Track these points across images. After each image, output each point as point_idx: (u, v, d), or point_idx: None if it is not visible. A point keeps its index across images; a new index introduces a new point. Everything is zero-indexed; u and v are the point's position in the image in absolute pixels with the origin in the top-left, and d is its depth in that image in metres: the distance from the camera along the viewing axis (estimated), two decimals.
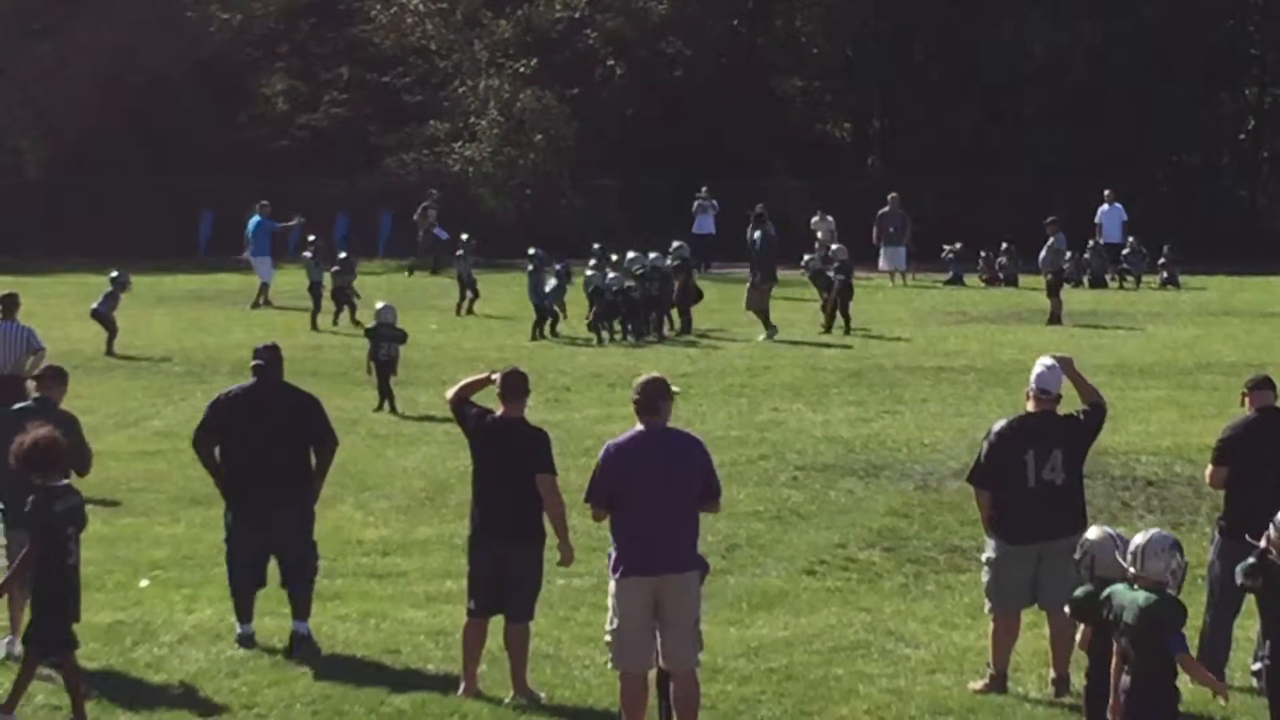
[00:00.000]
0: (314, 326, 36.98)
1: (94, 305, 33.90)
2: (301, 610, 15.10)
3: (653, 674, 12.46)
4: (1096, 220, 48.92)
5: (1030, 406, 13.84)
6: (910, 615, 15.87)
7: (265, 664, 14.42)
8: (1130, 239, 48.32)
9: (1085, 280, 46.76)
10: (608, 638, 12.34)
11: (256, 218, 43.22)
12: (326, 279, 38.04)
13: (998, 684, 13.71)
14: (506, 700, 13.41)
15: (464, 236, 41.19)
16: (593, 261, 36.38)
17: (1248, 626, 13.88)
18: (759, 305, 35.42)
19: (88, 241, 54.61)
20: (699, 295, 37.65)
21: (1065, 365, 13.96)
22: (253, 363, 15.39)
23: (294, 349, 31.50)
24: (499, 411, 13.61)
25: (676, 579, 12.11)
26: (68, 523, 13.03)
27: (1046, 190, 53.56)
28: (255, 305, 41.79)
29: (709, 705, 12.64)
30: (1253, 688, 13.57)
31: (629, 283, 35.24)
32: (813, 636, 15.14)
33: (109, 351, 32.85)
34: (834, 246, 38.79)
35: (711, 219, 51.67)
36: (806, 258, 40.22)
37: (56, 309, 37.33)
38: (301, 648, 14.80)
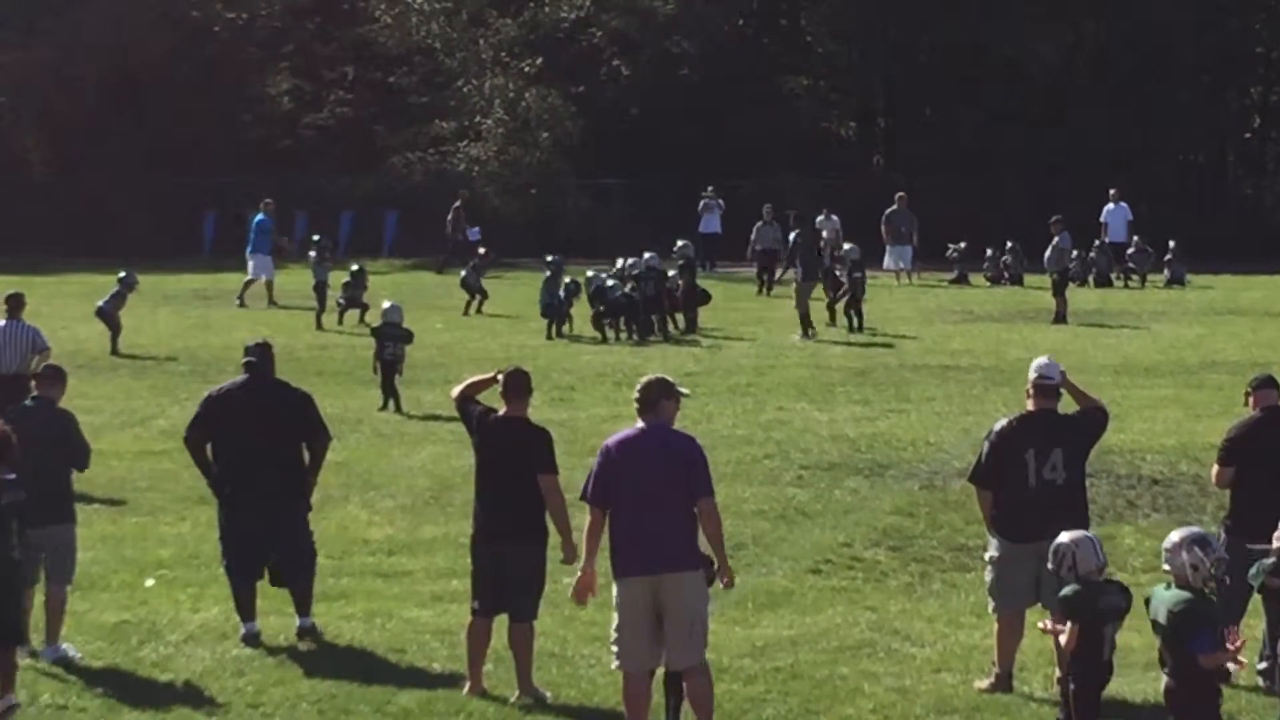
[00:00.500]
0: (319, 326, 36.97)
1: (99, 303, 33.90)
2: (303, 607, 15.12)
3: (660, 673, 12.46)
4: (1102, 219, 48.91)
5: (1031, 405, 13.85)
6: (916, 614, 15.87)
7: (271, 663, 14.42)
8: (1135, 238, 48.31)
9: (1090, 279, 46.74)
10: (612, 637, 12.34)
11: (260, 215, 43.16)
12: (331, 278, 38.05)
13: (1003, 683, 13.71)
14: (512, 699, 13.41)
15: (481, 250, 41.22)
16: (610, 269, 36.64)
17: (1254, 626, 13.87)
18: (803, 306, 35.29)
19: (92, 241, 54.71)
20: (706, 297, 37.63)
21: (1063, 380, 13.98)
22: (244, 359, 15.40)
23: (298, 348, 31.67)
24: (502, 411, 13.61)
25: (674, 578, 12.10)
26: (12, 516, 13.02)
27: (1051, 189, 53.56)
28: (242, 302, 41.62)
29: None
30: (1259, 687, 13.57)
31: (629, 285, 35.33)
32: (818, 635, 15.13)
33: (114, 351, 32.85)
34: (846, 246, 38.77)
35: (718, 218, 51.66)
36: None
37: (62, 309, 37.36)
38: (307, 637, 14.86)
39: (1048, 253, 39.57)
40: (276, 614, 15.26)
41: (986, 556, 14.08)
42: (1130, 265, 47.90)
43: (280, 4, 65.11)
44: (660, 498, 12.12)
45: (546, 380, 27.47)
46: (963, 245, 48.18)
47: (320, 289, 37.83)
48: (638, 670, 12.33)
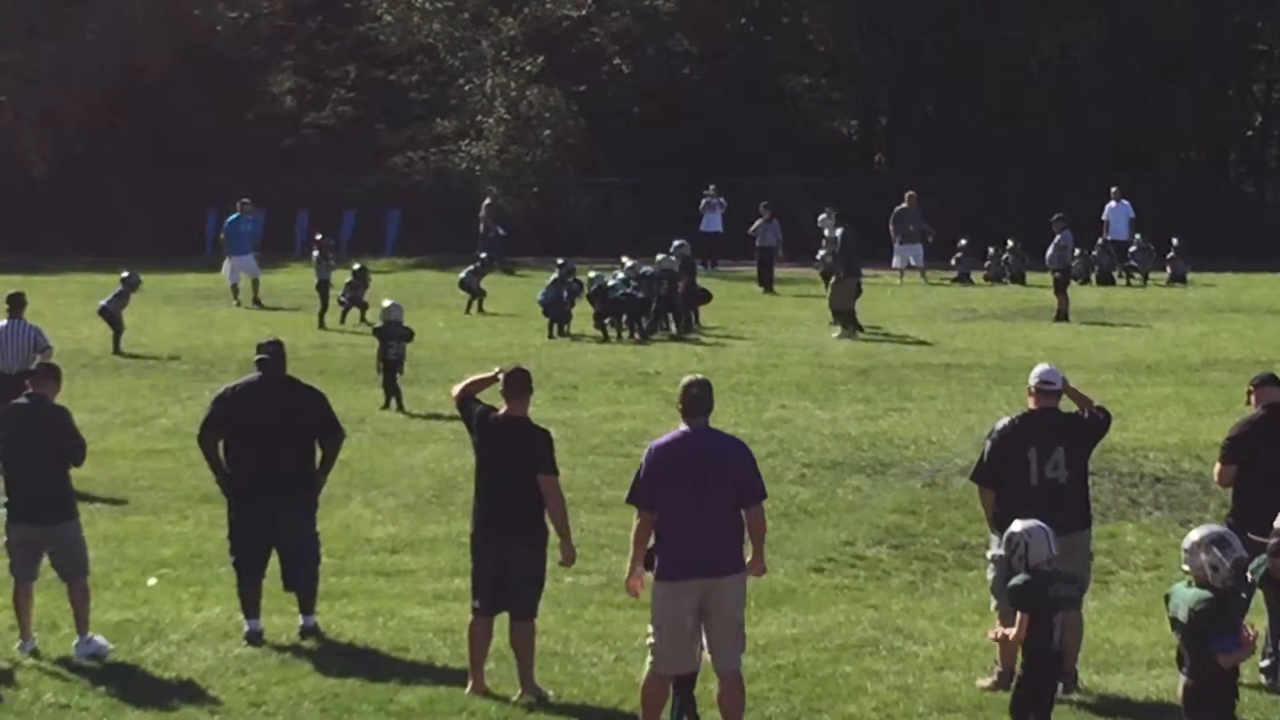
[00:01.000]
0: (321, 325, 36.97)
1: (102, 303, 33.90)
2: (307, 606, 15.14)
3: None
4: (1104, 217, 48.90)
5: (1032, 404, 13.87)
6: (918, 612, 15.87)
7: (273, 662, 14.43)
8: (1137, 236, 48.31)
9: (1093, 277, 46.74)
10: (649, 640, 12.28)
11: (235, 215, 42.85)
12: (334, 278, 38.07)
13: (1005, 681, 13.68)
14: (514, 698, 13.42)
15: (483, 255, 41.20)
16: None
17: (1256, 624, 13.86)
18: (846, 304, 35.25)
19: (94, 240, 54.72)
20: (707, 296, 37.62)
21: (1064, 386, 14.00)
22: (257, 357, 15.40)
23: (301, 348, 31.65)
24: (503, 410, 13.61)
25: (723, 582, 12.05)
26: None
27: (1053, 187, 53.55)
28: (257, 302, 41.60)
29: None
30: (1261, 685, 13.58)
31: (630, 286, 35.34)
32: (820, 634, 15.14)
33: (116, 350, 32.86)
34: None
35: (719, 217, 51.65)
36: (821, 253, 40.29)
37: (64, 308, 37.40)
38: (309, 636, 14.89)
39: (1049, 251, 39.58)
40: (279, 613, 15.27)
41: (989, 555, 14.09)
42: (1132, 263, 47.89)
43: (282, 3, 65.12)
44: (710, 501, 12.04)
45: (548, 379, 27.49)
46: (963, 243, 48.17)
47: (323, 288, 37.83)
48: (679, 673, 12.31)
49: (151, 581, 16.97)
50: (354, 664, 14.31)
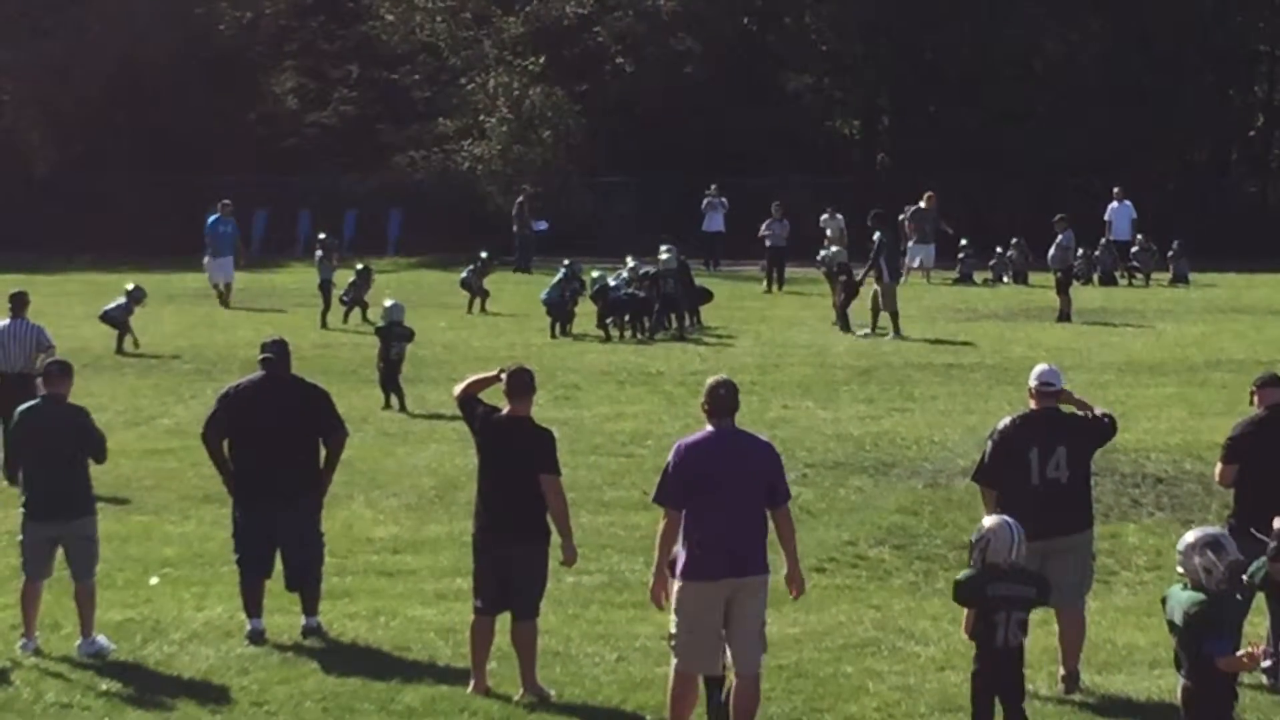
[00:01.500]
0: (323, 324, 36.98)
1: (106, 308, 33.87)
2: (310, 606, 15.14)
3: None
4: (1106, 218, 48.94)
5: (1033, 404, 13.86)
6: (920, 612, 15.87)
7: (275, 661, 14.43)
8: (1140, 236, 48.31)
9: (1095, 278, 46.74)
10: (671, 641, 12.26)
11: (214, 216, 42.65)
12: (336, 277, 38.08)
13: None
14: (516, 697, 13.41)
15: (484, 254, 41.20)
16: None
17: (1257, 624, 13.88)
18: (892, 305, 35.21)
19: (96, 240, 54.74)
20: (708, 295, 37.58)
21: (1066, 396, 14.00)
22: (261, 356, 15.40)
23: (303, 347, 31.64)
24: (505, 409, 13.61)
25: (746, 583, 12.04)
26: None
27: (1055, 187, 53.55)
28: (226, 304, 41.32)
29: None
30: (1263, 685, 13.58)
31: (632, 286, 35.36)
32: (822, 634, 15.14)
33: (119, 350, 32.86)
34: (833, 249, 38.60)
35: (721, 216, 51.66)
36: (821, 254, 40.22)
37: (66, 307, 37.39)
38: (312, 636, 14.90)
39: (1051, 251, 39.56)
40: (282, 612, 15.27)
41: None
42: (1134, 263, 47.88)
43: (284, 2, 65.13)
44: (738, 502, 12.04)
45: (551, 379, 27.48)
46: (963, 243, 48.18)
47: (325, 287, 37.84)
48: (705, 674, 12.29)
49: (153, 581, 16.97)
50: (356, 663, 14.31)
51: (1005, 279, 47.51)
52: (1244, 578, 11.58)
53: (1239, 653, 10.69)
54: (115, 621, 15.32)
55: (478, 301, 39.90)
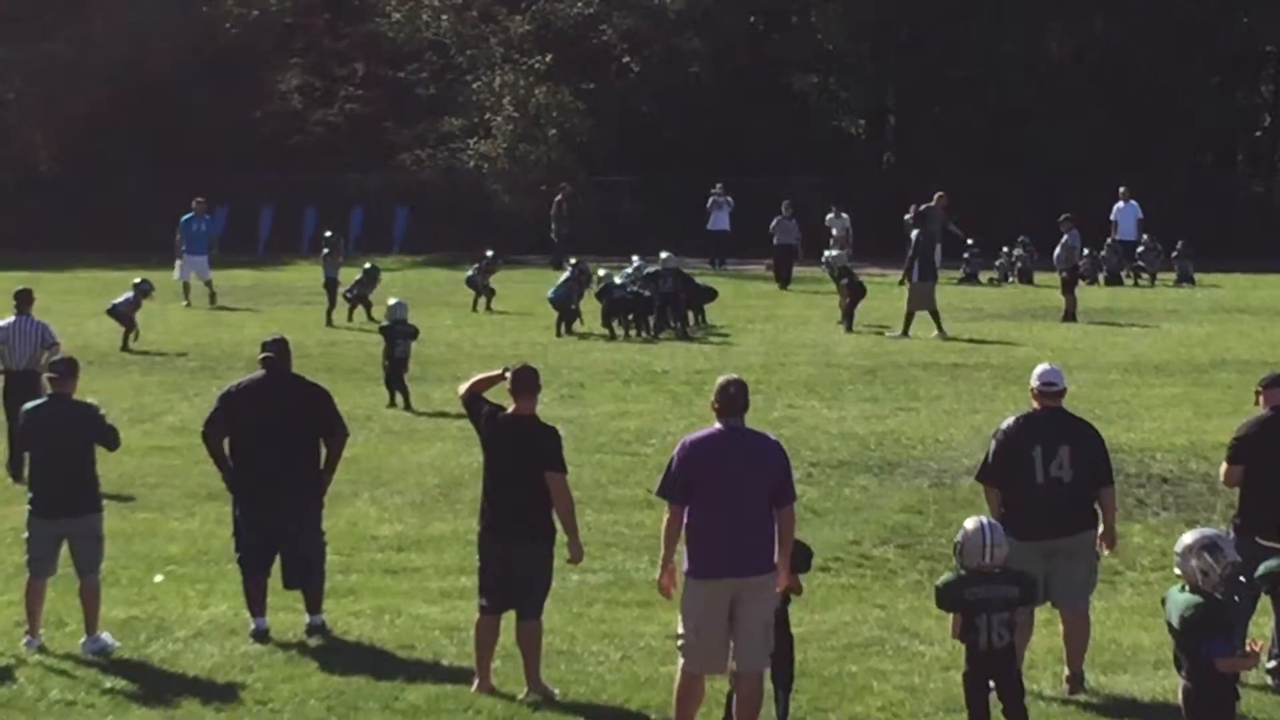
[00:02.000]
0: (328, 322, 37.00)
1: (114, 302, 33.88)
2: (314, 604, 15.13)
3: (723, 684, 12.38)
4: (1112, 218, 48.88)
5: (1036, 404, 13.85)
6: (925, 612, 15.82)
7: (279, 659, 14.43)
8: (1145, 236, 48.28)
9: (1101, 277, 46.72)
10: (679, 641, 12.26)
11: (189, 214, 42.50)
12: (341, 275, 38.08)
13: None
14: (520, 696, 13.41)
15: (489, 253, 41.16)
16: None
17: (1262, 624, 13.86)
18: (931, 304, 35.17)
19: (100, 238, 54.74)
20: (712, 294, 37.57)
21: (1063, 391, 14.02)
22: (261, 355, 15.40)
23: (308, 345, 31.67)
24: (510, 408, 13.60)
25: (752, 582, 12.01)
26: None
27: (1061, 187, 53.52)
28: (212, 298, 41.15)
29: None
30: (1267, 685, 13.56)
31: (637, 285, 35.36)
32: (827, 633, 15.13)
33: (124, 347, 32.88)
34: (834, 252, 38.58)
35: (726, 216, 51.65)
36: (826, 254, 40.23)
37: (71, 305, 37.40)
38: (316, 634, 14.89)
39: (1057, 250, 39.55)
40: (286, 610, 15.26)
41: None
42: (1140, 263, 47.86)
43: (290, 0, 65.12)
44: (745, 501, 12.01)
45: (556, 378, 27.49)
46: (968, 242, 48.15)
47: (330, 285, 37.85)
48: (710, 673, 12.27)
49: (158, 578, 16.97)
50: (360, 661, 14.31)
51: (1011, 279, 47.50)
52: (1239, 579, 11.58)
53: (1238, 653, 10.69)
54: (119, 619, 15.32)
55: (483, 300, 39.91)
